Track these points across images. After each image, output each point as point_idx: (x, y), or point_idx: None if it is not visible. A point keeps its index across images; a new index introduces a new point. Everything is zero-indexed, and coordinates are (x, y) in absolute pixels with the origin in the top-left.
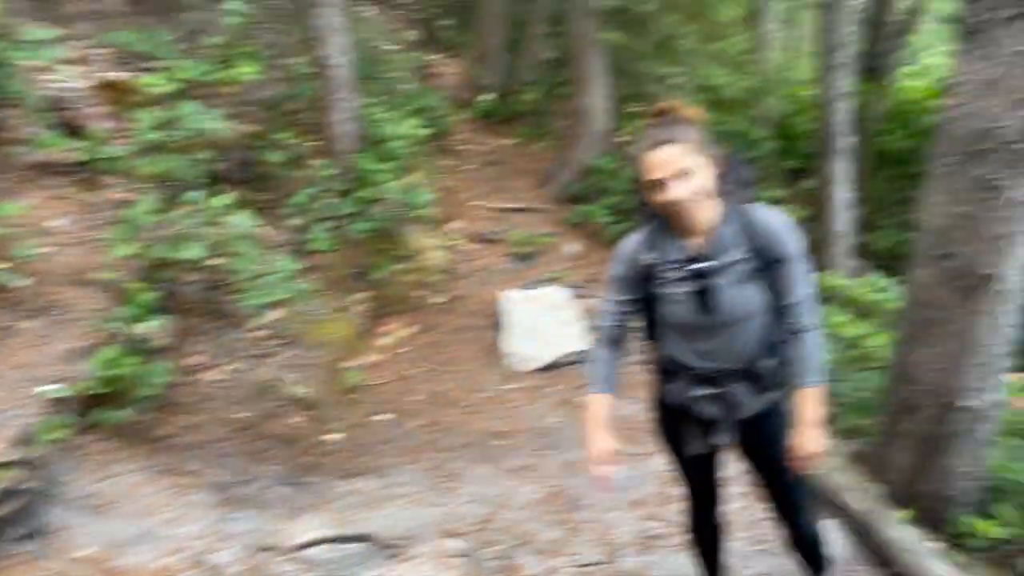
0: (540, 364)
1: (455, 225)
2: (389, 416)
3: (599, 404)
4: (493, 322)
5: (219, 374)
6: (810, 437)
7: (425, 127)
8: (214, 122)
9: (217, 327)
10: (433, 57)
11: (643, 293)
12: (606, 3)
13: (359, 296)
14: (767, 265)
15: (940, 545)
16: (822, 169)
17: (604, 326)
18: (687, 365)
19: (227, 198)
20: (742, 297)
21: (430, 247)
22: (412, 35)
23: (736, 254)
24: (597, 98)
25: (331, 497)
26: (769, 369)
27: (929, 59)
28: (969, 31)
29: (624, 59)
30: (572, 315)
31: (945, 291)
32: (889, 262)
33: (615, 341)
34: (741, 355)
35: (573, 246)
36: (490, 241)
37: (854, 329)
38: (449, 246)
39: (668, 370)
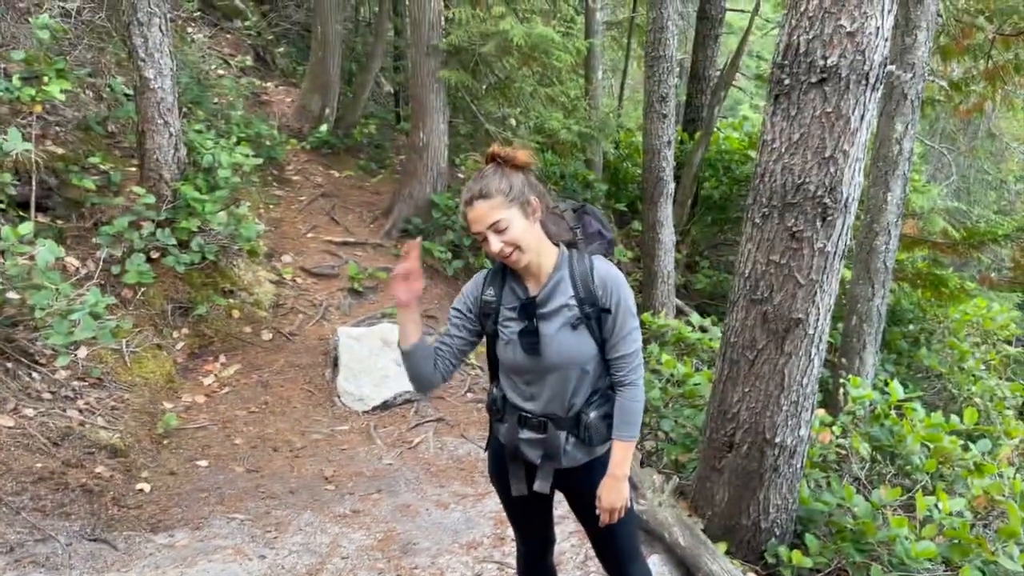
0: (375, 403)
1: (287, 259)
2: (209, 462)
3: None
4: (326, 360)
5: (12, 419)
6: (614, 489)
7: (256, 156)
8: (15, 143)
9: (14, 368)
10: (268, 84)
11: (482, 330)
12: (445, 42)
13: (179, 333)
14: (596, 315)
15: None
16: (648, 213)
17: (437, 346)
18: (515, 406)
19: (28, 226)
20: (568, 344)
21: (259, 281)
22: (246, 60)
23: (566, 301)
24: (436, 134)
25: (140, 554)
26: (593, 421)
27: (745, 112)
28: (778, 93)
29: (463, 97)
30: None
31: (760, 333)
32: (708, 301)
33: (441, 356)
34: (566, 402)
35: None
36: (324, 276)
37: (679, 368)
38: (280, 280)
39: (500, 409)
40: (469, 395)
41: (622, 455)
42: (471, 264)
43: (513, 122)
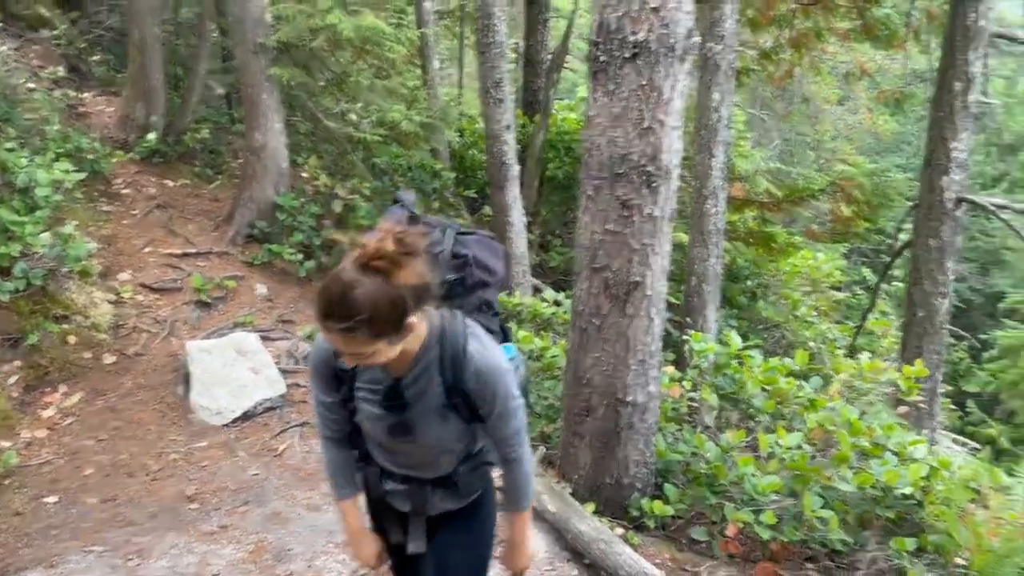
0: (234, 415)
1: (124, 276)
2: (58, 497)
3: (350, 510)
4: (177, 377)
5: None
6: (521, 555)
7: (78, 171)
8: None
9: None
10: (85, 95)
11: (340, 393)
12: (273, 39)
13: (10, 366)
14: (468, 403)
15: (622, 531)
16: (496, 197)
17: (322, 425)
18: (377, 461)
19: None
20: (436, 432)
21: (95, 303)
22: (58, 71)
23: (434, 388)
24: (273, 134)
25: None
26: (463, 477)
27: (582, 93)
28: (596, 70)
29: (299, 95)
30: (264, 360)
31: (603, 300)
32: (563, 277)
33: (340, 438)
34: (432, 469)
35: (261, 288)
36: (167, 290)
37: (536, 342)
38: (119, 300)
39: (366, 461)
40: None
41: (521, 525)
42: (324, 264)
43: (354, 117)
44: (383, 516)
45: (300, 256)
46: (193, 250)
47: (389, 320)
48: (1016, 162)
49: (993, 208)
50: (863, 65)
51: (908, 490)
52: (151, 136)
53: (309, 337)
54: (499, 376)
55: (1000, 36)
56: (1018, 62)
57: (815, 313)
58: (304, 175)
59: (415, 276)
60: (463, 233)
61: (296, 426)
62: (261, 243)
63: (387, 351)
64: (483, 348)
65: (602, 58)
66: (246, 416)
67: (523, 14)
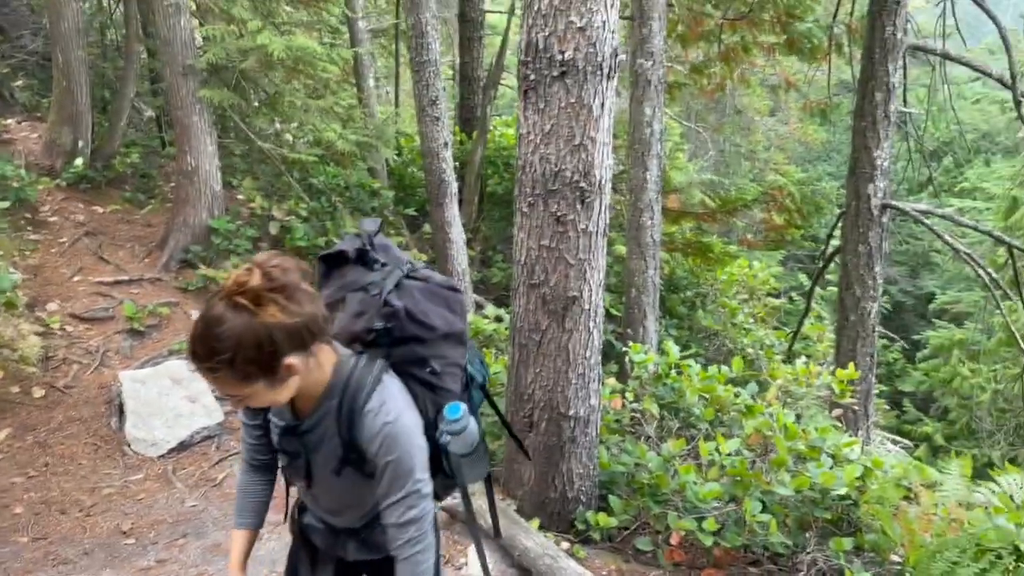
0: (170, 446)
1: (52, 307)
2: None
3: (237, 541)
4: (110, 409)
5: None
6: None
7: (2, 200)
8: None
9: None
10: (8, 121)
11: (260, 418)
12: (203, 61)
13: None
14: (363, 464)
15: (568, 545)
16: (436, 214)
17: (242, 447)
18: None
19: None
20: (335, 486)
21: (22, 335)
22: None
23: (333, 437)
24: (205, 157)
25: None
26: (378, 537)
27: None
28: (526, 88)
29: (231, 116)
30: (201, 388)
31: (542, 315)
32: (505, 292)
33: (258, 466)
34: (345, 521)
35: (196, 314)
36: (98, 319)
37: None
38: (47, 331)
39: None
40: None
41: None
42: None
43: (289, 137)
44: (300, 549)
45: None
46: (125, 277)
47: (255, 361)
48: (940, 168)
49: (916, 214)
50: (789, 78)
51: (844, 491)
52: (78, 162)
53: None
54: (394, 445)
55: (917, 48)
56: (940, 72)
57: (753, 320)
58: (239, 197)
59: (286, 313)
60: (413, 277)
61: (235, 454)
62: (196, 268)
63: (267, 394)
64: (385, 408)
65: (531, 77)
66: (183, 446)
67: (457, 32)
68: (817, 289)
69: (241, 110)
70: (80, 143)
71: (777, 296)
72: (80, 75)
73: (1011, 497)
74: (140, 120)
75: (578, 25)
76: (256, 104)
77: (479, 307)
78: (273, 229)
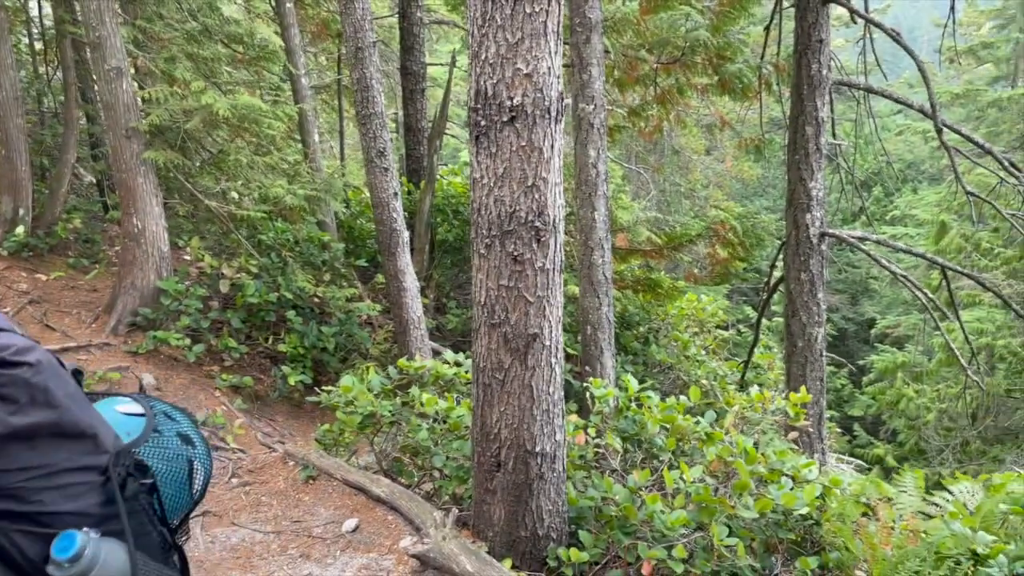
0: None
1: None
2: None
3: None
4: None
5: None
6: None
7: None
8: None
9: None
10: None
11: None
12: (146, 123)
13: None
14: None
15: None
16: (388, 264)
17: None
18: None
19: None
20: None
21: None
22: None
23: None
24: (151, 218)
25: None
26: None
27: (464, 158)
28: (477, 134)
29: (176, 177)
30: None
31: (504, 354)
32: (461, 339)
33: None
34: None
35: (148, 377)
36: None
37: (439, 404)
38: None
39: None
40: (235, 480)
41: None
42: (213, 346)
43: (235, 195)
44: None
45: (188, 340)
46: (72, 344)
47: None
48: (871, 198)
49: (854, 240)
50: (723, 117)
51: (805, 510)
52: (19, 230)
53: (203, 423)
54: None
55: (842, 83)
56: (864, 106)
57: (705, 352)
58: (187, 257)
59: None
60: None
61: (195, 517)
62: (145, 331)
63: None
64: None
65: (482, 122)
66: None
67: (399, 85)
68: (763, 319)
69: (186, 170)
70: (20, 211)
71: (726, 328)
72: (19, 143)
73: (964, 504)
74: (80, 186)
75: (525, 72)
76: (200, 163)
77: (436, 354)
78: (223, 287)
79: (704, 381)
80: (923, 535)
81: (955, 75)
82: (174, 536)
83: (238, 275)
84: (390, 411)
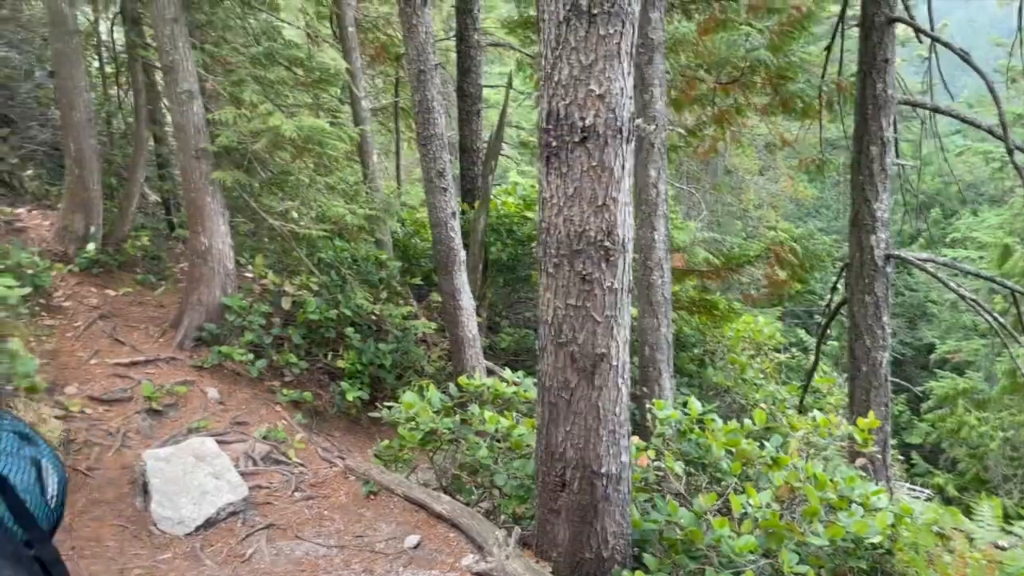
0: (197, 523)
1: (71, 390)
2: None
3: None
4: (134, 489)
5: None
6: None
7: (20, 286)
8: None
9: None
10: (19, 210)
11: None
12: (215, 145)
13: None
14: None
15: None
16: (445, 282)
17: None
18: None
19: None
20: None
21: (43, 419)
22: None
23: None
24: (218, 236)
25: None
26: None
27: (514, 177)
28: (548, 155)
29: (239, 196)
30: (224, 464)
31: (571, 373)
32: (514, 358)
33: None
34: None
35: (212, 391)
36: (116, 401)
37: (502, 422)
38: (67, 414)
39: None
40: (297, 494)
41: None
42: (275, 362)
43: (296, 214)
44: None
45: (251, 356)
46: (141, 358)
47: None
48: (931, 219)
49: (919, 262)
50: (783, 135)
51: (877, 539)
52: (90, 247)
53: (265, 437)
54: None
55: (907, 102)
56: (929, 125)
57: (763, 375)
58: (250, 275)
59: None
60: None
61: (262, 529)
62: (210, 346)
63: None
64: None
65: (553, 143)
66: (209, 523)
67: (455, 107)
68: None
69: (250, 189)
70: (92, 228)
71: (780, 351)
72: (92, 163)
73: None
74: (147, 205)
75: (597, 93)
76: (262, 183)
77: (491, 372)
78: (285, 304)
79: (763, 404)
80: (1000, 565)
81: (1014, 95)
82: (31, 543)
83: (299, 292)
84: (450, 428)
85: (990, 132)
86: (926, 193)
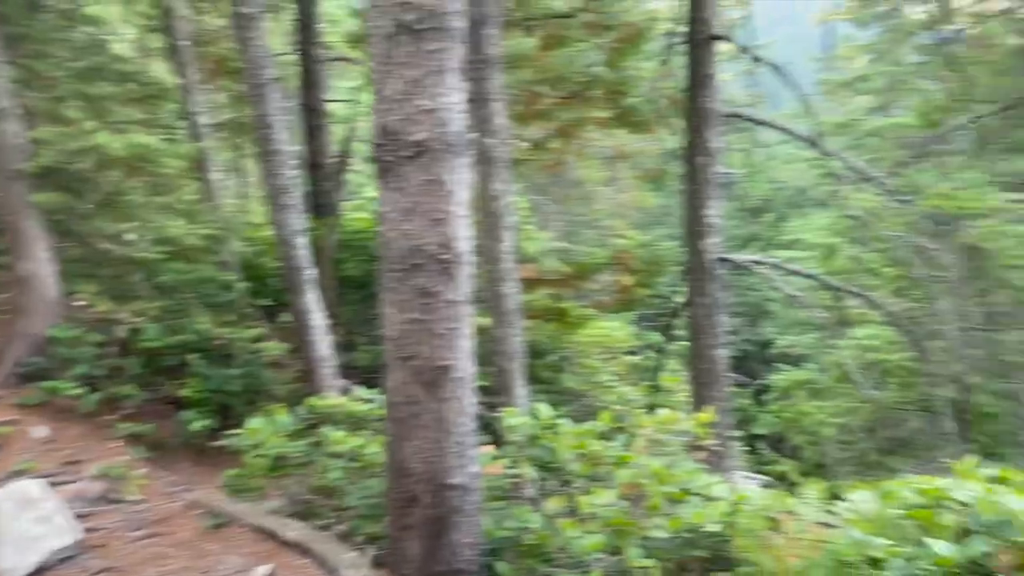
0: (25, 572)
1: None
2: None
3: None
4: None
5: None
6: None
7: None
8: None
9: None
10: None
11: None
12: (34, 164)
13: None
14: None
15: None
16: (294, 302)
17: None
18: None
19: None
20: None
21: None
22: None
23: None
24: (41, 264)
25: None
26: None
27: (370, 192)
28: (383, 169)
29: (67, 219)
30: (53, 507)
31: (416, 387)
32: (373, 375)
33: None
34: None
35: (40, 429)
36: None
37: (352, 442)
38: None
39: None
40: (138, 532)
41: None
42: (112, 394)
43: (131, 237)
44: None
45: (84, 389)
46: None
47: None
48: (765, 224)
49: (748, 263)
50: (620, 149)
51: (716, 528)
52: None
53: (102, 475)
54: None
55: (732, 115)
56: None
57: (616, 378)
58: (81, 303)
59: None
60: None
61: (98, 573)
62: (35, 381)
63: None
64: None
65: (387, 158)
66: (40, 571)
67: (301, 121)
68: (671, 343)
69: (78, 212)
70: None
71: (633, 354)
72: None
73: (862, 512)
74: None
75: (428, 108)
76: (93, 205)
77: (347, 391)
78: (121, 332)
79: (615, 406)
80: (823, 543)
81: (835, 106)
82: None
83: (136, 319)
84: (301, 452)
85: (806, 140)
86: (759, 198)
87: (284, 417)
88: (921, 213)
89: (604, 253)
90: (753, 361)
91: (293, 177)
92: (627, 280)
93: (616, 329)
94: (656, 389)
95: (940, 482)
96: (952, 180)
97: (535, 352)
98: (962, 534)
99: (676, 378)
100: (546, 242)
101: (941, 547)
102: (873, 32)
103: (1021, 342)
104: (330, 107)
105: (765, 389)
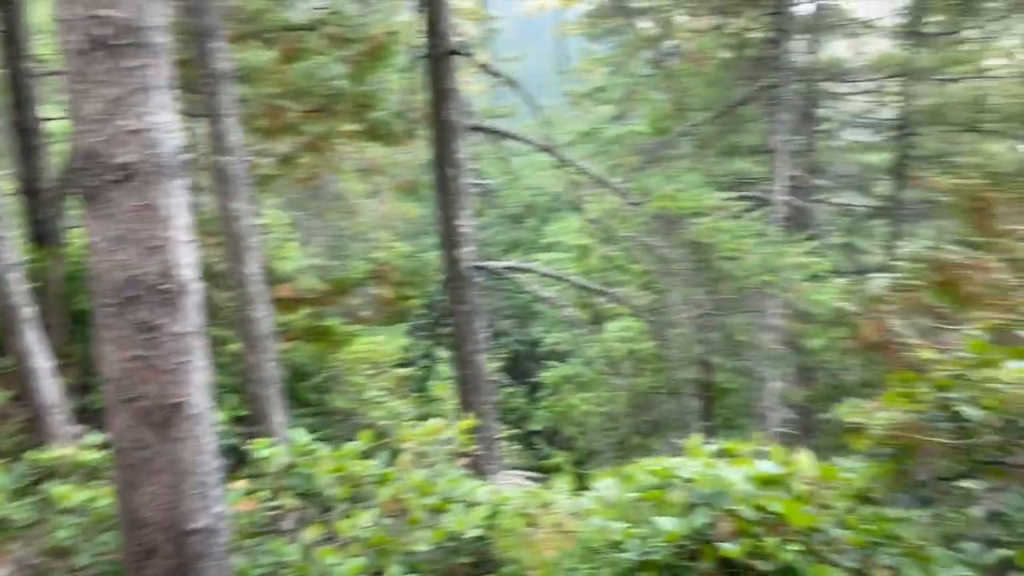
0: None
1: None
2: None
3: None
4: None
5: None
6: None
7: None
8: None
9: None
10: None
11: None
12: None
13: None
14: None
15: None
16: (13, 345)
17: None
18: None
19: None
20: None
21: None
22: None
23: None
24: None
25: None
26: None
27: None
28: (89, 196)
29: None
30: None
31: (143, 430)
32: None
33: None
34: None
35: None
36: None
37: (80, 495)
38: None
39: None
40: None
41: None
42: None
43: None
44: None
45: None
46: None
47: None
48: (526, 228)
49: (503, 270)
50: (372, 162)
51: (477, 532)
52: None
53: None
54: None
55: (476, 128)
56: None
57: (387, 392)
58: None
59: None
60: None
61: None
62: None
63: None
64: None
65: (93, 183)
66: None
67: (12, 142)
68: (443, 351)
69: None
70: None
71: (407, 365)
72: None
73: (605, 499)
74: None
75: (133, 128)
76: None
77: (78, 437)
78: None
79: (383, 421)
80: (573, 533)
81: (581, 114)
82: None
83: None
84: (26, 513)
85: (544, 149)
86: (520, 204)
87: (1, 476)
88: (651, 214)
89: (364, 267)
90: (526, 360)
91: (4, 205)
92: (388, 293)
93: (384, 343)
94: (427, 399)
95: (669, 461)
96: (676, 182)
97: (298, 374)
98: (687, 509)
99: (444, 386)
100: (303, 259)
101: (667, 523)
102: (606, 46)
103: (747, 323)
104: (46, 126)
105: (538, 386)
